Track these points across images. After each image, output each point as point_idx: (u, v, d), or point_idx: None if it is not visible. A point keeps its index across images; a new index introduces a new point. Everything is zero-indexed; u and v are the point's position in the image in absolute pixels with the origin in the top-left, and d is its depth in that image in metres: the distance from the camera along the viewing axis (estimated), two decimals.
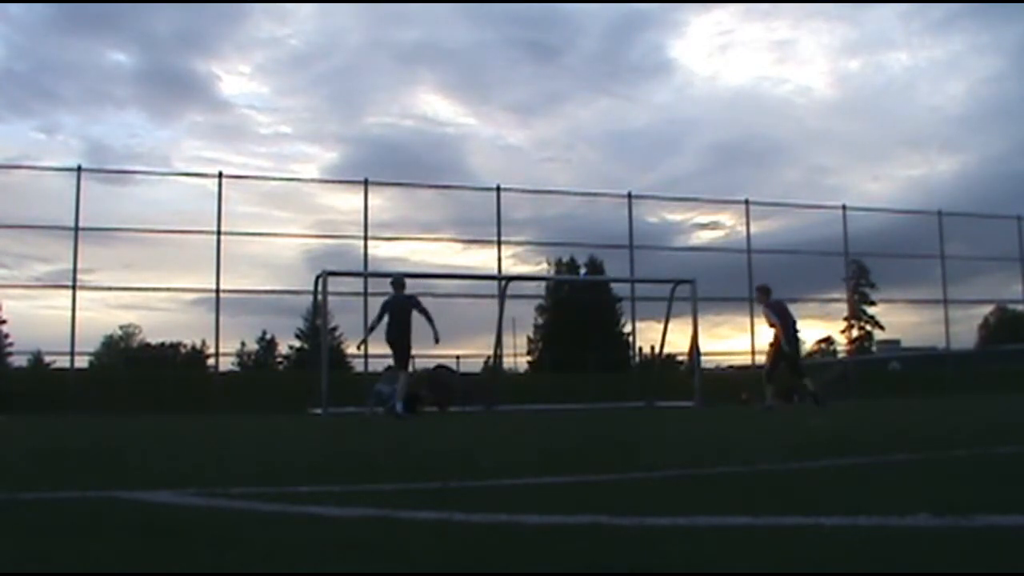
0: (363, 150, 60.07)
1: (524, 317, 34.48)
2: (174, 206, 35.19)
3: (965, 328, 28.76)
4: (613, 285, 31.62)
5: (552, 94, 65.71)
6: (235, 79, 63.79)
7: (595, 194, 22.75)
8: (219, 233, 18.02)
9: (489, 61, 63.66)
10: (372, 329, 12.12)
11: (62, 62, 61.04)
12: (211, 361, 19.53)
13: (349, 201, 19.49)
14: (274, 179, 41.86)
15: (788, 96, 61.87)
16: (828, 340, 42.98)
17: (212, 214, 18.27)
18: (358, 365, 21.22)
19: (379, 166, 63.26)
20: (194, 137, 60.65)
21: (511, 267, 21.01)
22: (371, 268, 18.69)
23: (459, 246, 20.47)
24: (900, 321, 44.57)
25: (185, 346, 42.71)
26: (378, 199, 28.40)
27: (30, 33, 56.49)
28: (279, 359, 36.18)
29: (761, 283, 12.57)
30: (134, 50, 62.74)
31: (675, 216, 31.47)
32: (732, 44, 64.45)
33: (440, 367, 18.50)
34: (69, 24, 60.75)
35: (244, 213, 34.71)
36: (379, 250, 27.47)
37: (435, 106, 65.99)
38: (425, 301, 12.32)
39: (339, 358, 28.58)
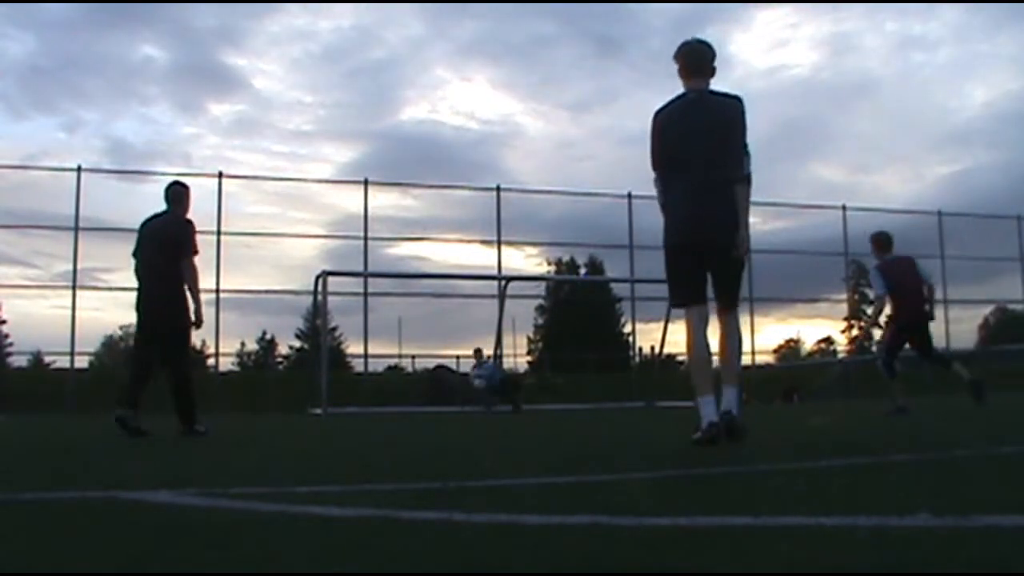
0: (386, 148, 60.09)
1: (524, 317, 34.52)
2: (195, 205, 35.11)
3: (965, 328, 28.79)
4: (613, 285, 31.62)
5: (609, 91, 66.02)
6: (263, 76, 63.91)
7: (595, 194, 22.79)
8: (219, 233, 18.03)
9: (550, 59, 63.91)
10: None
11: (90, 57, 61.31)
12: (211, 361, 19.50)
13: (372, 200, 19.52)
14: (274, 179, 41.98)
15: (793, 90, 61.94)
16: (828, 340, 43.11)
17: (231, 213, 18.33)
18: (358, 365, 21.25)
19: (410, 164, 62.85)
20: (216, 134, 60.79)
21: (535, 267, 21.08)
22: (394, 267, 18.75)
23: (488, 246, 20.36)
24: None
25: None
26: (408, 199, 28.19)
27: (59, 28, 56.76)
28: (279, 359, 36.16)
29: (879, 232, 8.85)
30: (167, 44, 62.91)
31: None
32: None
33: (440, 367, 18.52)
34: (102, 18, 60.99)
35: (262, 213, 34.71)
36: (401, 249, 27.59)
37: (477, 103, 66.55)
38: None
39: (339, 358, 28.59)
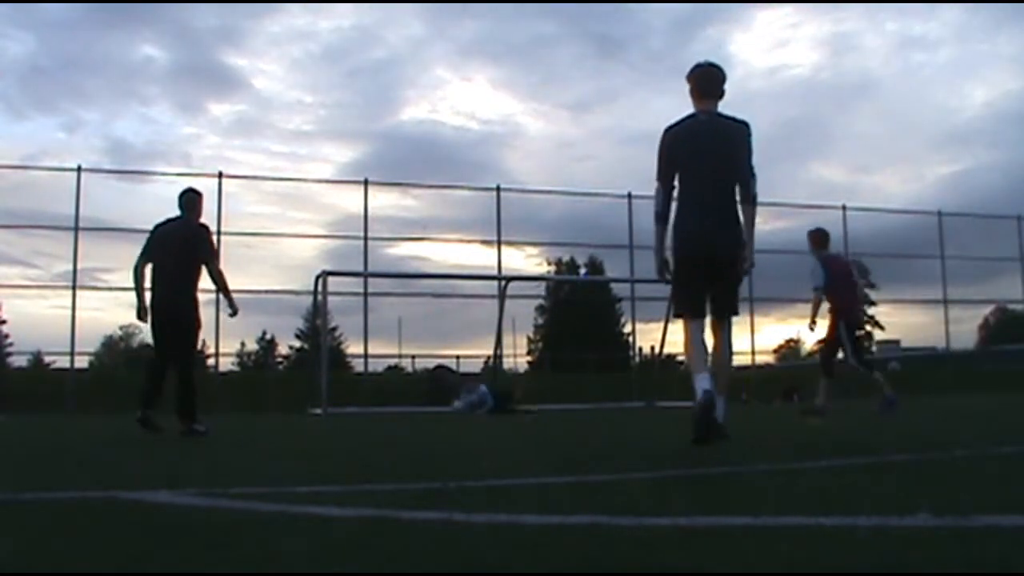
0: (386, 148, 60.10)
1: (524, 317, 34.50)
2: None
3: (965, 328, 28.78)
4: (613, 285, 31.60)
5: (609, 91, 66.15)
6: (263, 76, 63.97)
7: (595, 194, 22.74)
8: (219, 233, 18.01)
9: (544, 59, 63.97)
10: None
11: (90, 57, 61.39)
12: (211, 361, 19.47)
13: (372, 200, 19.50)
14: (275, 179, 41.97)
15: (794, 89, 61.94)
16: None
17: (231, 213, 18.29)
18: (358, 365, 21.24)
19: (410, 164, 62.40)
20: (216, 134, 60.85)
21: (535, 267, 21.02)
22: (394, 267, 18.71)
23: (488, 246, 20.32)
24: (900, 321, 44.53)
25: None
26: (408, 199, 27.92)
27: (59, 28, 56.91)
28: (279, 359, 36.13)
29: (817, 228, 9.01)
30: (167, 44, 63.09)
31: None
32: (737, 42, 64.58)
33: (440, 367, 18.49)
34: (102, 18, 61.11)
35: (262, 213, 34.62)
36: (401, 249, 27.50)
37: (477, 103, 66.62)
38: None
39: (339, 358, 28.58)
